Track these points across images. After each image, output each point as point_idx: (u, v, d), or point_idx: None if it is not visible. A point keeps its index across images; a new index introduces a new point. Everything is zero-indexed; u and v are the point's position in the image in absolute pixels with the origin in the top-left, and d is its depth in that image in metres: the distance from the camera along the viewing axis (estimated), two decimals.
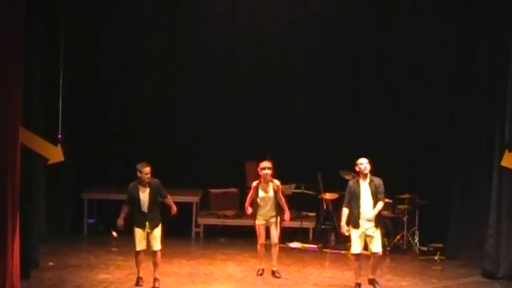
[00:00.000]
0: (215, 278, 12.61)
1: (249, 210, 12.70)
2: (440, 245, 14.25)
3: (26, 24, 11.00)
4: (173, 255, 13.78)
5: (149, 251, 11.84)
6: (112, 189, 15.89)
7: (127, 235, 14.89)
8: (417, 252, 14.51)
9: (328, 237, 15.13)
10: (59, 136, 12.97)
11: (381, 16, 16.08)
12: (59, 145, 12.90)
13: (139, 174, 11.62)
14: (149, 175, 11.62)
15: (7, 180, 10.38)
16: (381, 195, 11.75)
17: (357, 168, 11.84)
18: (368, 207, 11.69)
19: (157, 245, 11.75)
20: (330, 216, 15.23)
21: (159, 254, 11.81)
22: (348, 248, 14.40)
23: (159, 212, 11.83)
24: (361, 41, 16.18)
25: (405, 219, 14.75)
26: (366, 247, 11.98)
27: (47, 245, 13.85)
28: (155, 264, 11.84)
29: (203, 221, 15.86)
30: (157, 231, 11.74)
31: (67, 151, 13.42)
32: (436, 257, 13.87)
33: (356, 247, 11.78)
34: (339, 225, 12.07)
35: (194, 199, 15.77)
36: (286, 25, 16.45)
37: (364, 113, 16.26)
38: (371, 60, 16.17)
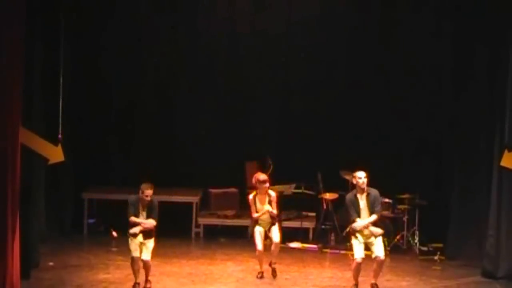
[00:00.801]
0: (215, 278, 12.61)
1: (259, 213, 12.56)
2: (440, 245, 14.25)
3: (26, 24, 11.00)
4: (173, 255, 13.78)
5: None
6: (112, 189, 15.91)
7: (127, 235, 14.95)
8: (417, 252, 14.51)
9: (328, 237, 15.13)
10: (60, 136, 12.97)
11: (380, 17, 16.08)
12: (59, 145, 12.90)
13: (140, 194, 11.57)
14: (149, 198, 11.57)
15: (7, 180, 10.37)
16: (377, 209, 11.74)
17: (354, 181, 11.83)
18: (366, 219, 11.71)
19: (146, 256, 11.62)
20: (330, 216, 15.23)
21: (149, 263, 11.68)
22: (348, 248, 14.48)
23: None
24: (360, 42, 16.17)
25: (405, 219, 14.74)
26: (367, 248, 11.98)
27: (47, 245, 13.85)
28: (146, 269, 11.75)
29: (203, 221, 15.85)
30: (150, 243, 11.66)
31: (67, 151, 13.42)
32: (436, 257, 13.87)
33: (358, 253, 11.73)
34: (345, 226, 11.95)
35: (194, 199, 15.76)
36: (285, 26, 16.46)
37: (364, 113, 16.25)
38: (370, 60, 16.15)
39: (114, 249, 14.38)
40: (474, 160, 13.72)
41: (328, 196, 15.10)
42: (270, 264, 12.68)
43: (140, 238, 11.62)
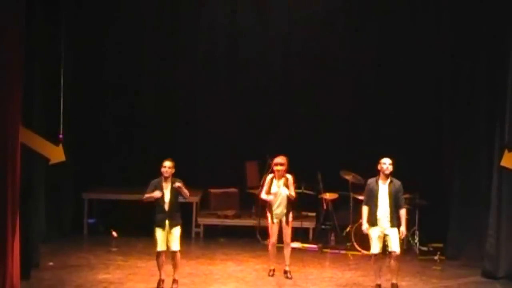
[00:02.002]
0: (215, 278, 12.62)
1: (269, 197, 12.47)
2: (440, 245, 14.25)
3: (26, 24, 10.99)
4: None
5: (167, 252, 11.73)
6: (112, 189, 15.91)
7: (127, 235, 14.97)
8: (417, 252, 14.50)
9: (328, 237, 15.14)
10: (60, 136, 12.97)
11: (380, 17, 16.11)
12: (60, 145, 12.90)
13: (162, 169, 11.58)
14: (167, 169, 11.50)
15: (7, 180, 10.37)
16: (402, 202, 11.70)
17: (379, 167, 11.76)
18: (385, 207, 11.64)
19: (175, 246, 11.61)
20: (330, 216, 15.24)
21: (178, 255, 11.70)
22: (348, 248, 14.50)
23: (179, 213, 11.75)
24: (361, 42, 16.21)
25: None
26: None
27: (47, 245, 13.86)
28: (174, 266, 11.75)
29: (203, 221, 15.86)
30: (176, 231, 11.62)
31: (68, 151, 13.41)
32: (436, 257, 13.87)
33: (375, 246, 11.71)
34: (361, 223, 11.91)
35: (194, 199, 15.74)
36: (286, 25, 16.49)
37: (364, 113, 16.29)
38: (371, 60, 16.18)
39: (114, 249, 14.39)
40: (474, 160, 13.72)
41: (328, 196, 15.11)
42: (284, 272, 12.67)
43: (166, 227, 11.54)
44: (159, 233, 11.58)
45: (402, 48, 15.86)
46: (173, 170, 11.59)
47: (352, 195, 14.91)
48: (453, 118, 14.51)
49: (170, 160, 11.60)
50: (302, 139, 16.33)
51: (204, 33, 16.58)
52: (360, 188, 14.86)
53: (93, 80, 16.15)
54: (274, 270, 12.69)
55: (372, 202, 11.73)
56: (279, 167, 12.47)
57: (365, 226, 11.82)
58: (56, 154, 12.85)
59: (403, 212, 11.73)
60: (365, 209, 11.86)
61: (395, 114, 15.99)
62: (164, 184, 11.59)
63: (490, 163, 13.04)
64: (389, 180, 11.70)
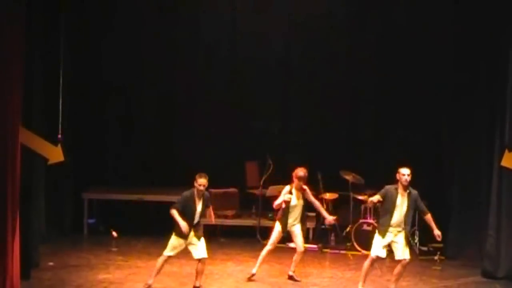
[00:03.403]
0: (215, 278, 12.62)
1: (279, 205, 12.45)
2: (440, 245, 14.23)
3: (26, 24, 11.00)
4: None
5: (192, 258, 11.70)
6: (112, 189, 15.91)
7: (127, 235, 14.94)
8: (417, 252, 14.50)
9: (328, 237, 15.14)
10: (59, 136, 12.97)
11: (380, 18, 16.12)
12: (59, 145, 12.91)
13: (195, 184, 11.50)
14: (202, 187, 11.47)
15: (7, 180, 10.37)
16: (424, 208, 11.66)
17: (397, 176, 11.63)
18: (400, 217, 11.52)
19: (204, 253, 11.58)
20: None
21: (205, 263, 11.70)
22: (348, 248, 14.51)
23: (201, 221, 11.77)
24: (361, 42, 16.22)
25: None
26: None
27: (47, 245, 13.85)
28: (199, 273, 11.71)
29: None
30: (202, 240, 11.61)
31: (67, 151, 13.42)
32: (436, 257, 13.87)
33: (375, 250, 11.57)
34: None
35: None
36: (286, 25, 16.48)
37: (364, 113, 16.29)
38: (371, 61, 16.18)
39: (114, 249, 14.38)
40: (474, 160, 13.73)
41: (328, 196, 15.11)
42: (289, 276, 12.62)
43: (190, 238, 11.50)
44: (176, 240, 11.52)
45: (402, 49, 15.84)
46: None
47: (352, 195, 14.91)
48: (453, 118, 14.52)
49: (204, 177, 11.49)
50: (302, 139, 16.33)
51: (204, 33, 16.56)
52: (360, 188, 14.89)
53: (92, 80, 16.13)
54: (253, 275, 12.50)
55: (388, 210, 11.58)
56: (302, 182, 12.26)
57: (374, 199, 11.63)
58: (55, 154, 12.85)
59: (429, 217, 11.64)
60: (376, 197, 11.67)
61: (395, 114, 15.98)
62: (196, 199, 11.54)
63: (490, 163, 13.04)
64: (408, 191, 11.60)
